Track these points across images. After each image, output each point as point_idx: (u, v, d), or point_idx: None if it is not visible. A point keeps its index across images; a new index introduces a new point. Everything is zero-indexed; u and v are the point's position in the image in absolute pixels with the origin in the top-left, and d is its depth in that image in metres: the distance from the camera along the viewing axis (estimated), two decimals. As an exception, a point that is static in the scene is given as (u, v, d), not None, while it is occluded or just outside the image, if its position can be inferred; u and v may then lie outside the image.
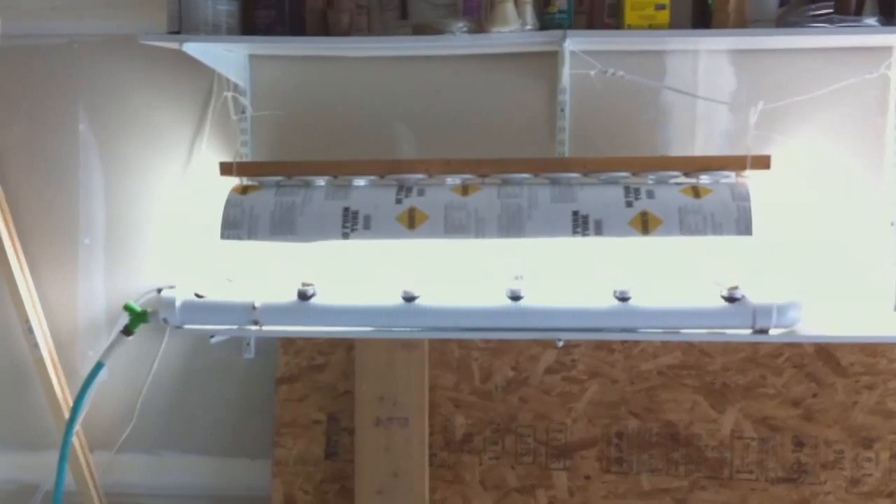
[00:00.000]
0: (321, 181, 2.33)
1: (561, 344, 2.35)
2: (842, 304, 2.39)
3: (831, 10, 2.13)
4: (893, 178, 2.39)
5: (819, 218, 2.40)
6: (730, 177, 2.26)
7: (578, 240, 2.19)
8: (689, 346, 2.43)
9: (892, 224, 2.39)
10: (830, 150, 2.41)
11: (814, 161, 2.40)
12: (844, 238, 2.41)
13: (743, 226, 2.17)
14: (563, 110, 2.41)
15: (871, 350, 2.38)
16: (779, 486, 2.41)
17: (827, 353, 2.40)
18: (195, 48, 2.26)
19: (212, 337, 2.39)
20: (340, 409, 2.53)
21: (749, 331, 2.21)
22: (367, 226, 2.24)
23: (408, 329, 2.31)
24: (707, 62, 2.42)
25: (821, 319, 2.27)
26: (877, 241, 2.41)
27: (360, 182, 2.33)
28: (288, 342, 2.55)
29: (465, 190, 2.28)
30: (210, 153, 2.54)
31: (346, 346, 2.52)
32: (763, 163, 2.21)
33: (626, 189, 2.23)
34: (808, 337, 2.28)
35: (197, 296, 2.32)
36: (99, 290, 2.64)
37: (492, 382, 2.49)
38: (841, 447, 2.39)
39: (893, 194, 2.39)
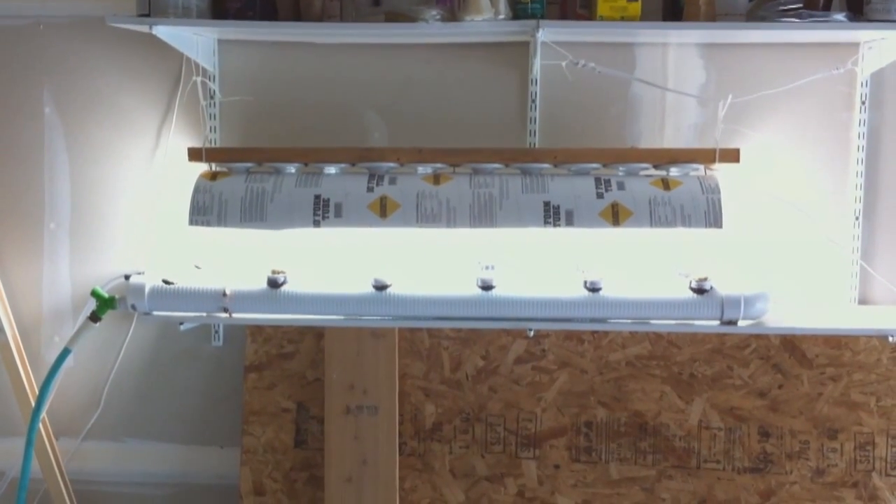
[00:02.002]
0: (292, 168, 2.32)
1: (532, 334, 2.35)
2: (807, 296, 2.43)
3: (800, 6, 2.15)
4: (858, 173, 2.42)
5: (785, 211, 2.42)
6: (699, 170, 2.27)
7: (549, 230, 2.20)
8: (657, 337, 2.45)
9: (856, 218, 2.43)
10: (797, 144, 2.43)
11: (781, 155, 2.42)
12: (810, 231, 2.43)
13: (712, 218, 2.18)
14: (534, 101, 2.42)
15: (835, 342, 2.41)
16: (745, 475, 2.44)
17: (792, 345, 2.42)
18: (164, 31, 2.24)
19: (181, 324, 2.36)
20: (309, 397, 2.52)
21: (717, 322, 2.22)
22: (338, 214, 2.23)
23: (378, 318, 2.30)
24: (677, 55, 2.43)
25: (787, 312, 2.30)
26: (842, 235, 2.44)
27: (331, 170, 2.32)
28: (257, 330, 2.53)
29: (436, 179, 2.27)
30: (178, 138, 2.51)
31: (316, 334, 2.51)
32: (732, 156, 2.23)
33: (597, 180, 2.24)
34: (774, 329, 2.29)
35: (165, 282, 2.30)
36: (64, 276, 2.61)
37: (462, 372, 2.50)
38: (806, 438, 2.42)
39: (858, 189, 2.42)
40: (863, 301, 2.45)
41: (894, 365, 2.39)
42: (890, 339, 2.25)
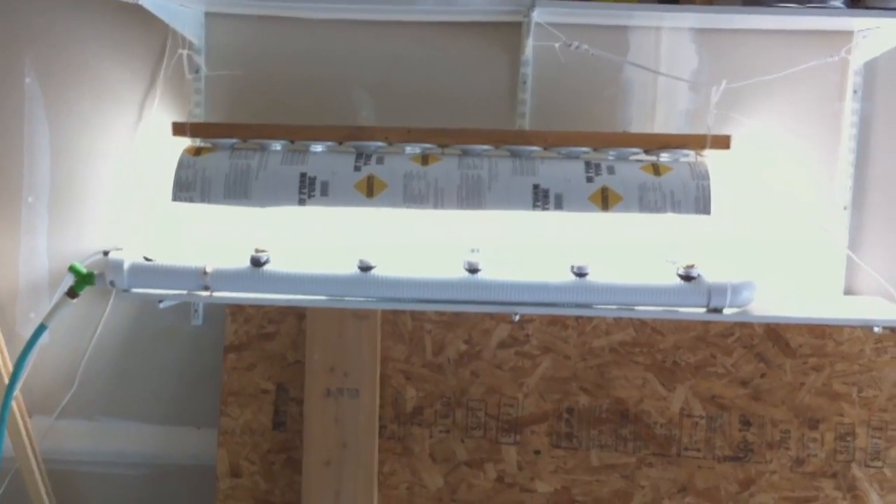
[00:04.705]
0: (277, 145, 2.28)
1: (517, 318, 2.33)
2: (794, 285, 2.43)
3: (798, -8, 2.15)
4: (848, 162, 2.42)
5: (774, 199, 2.42)
6: (689, 155, 2.26)
7: (538, 213, 2.18)
8: (641, 324, 2.44)
9: (844, 208, 2.43)
10: (789, 131, 2.43)
11: (772, 142, 2.42)
12: (798, 220, 2.44)
13: (702, 204, 2.17)
14: (525, 83, 2.40)
15: (819, 332, 2.41)
16: (725, 464, 2.44)
17: (776, 334, 2.42)
18: (151, 2, 2.19)
19: (160, 302, 2.32)
20: (289, 378, 2.50)
21: (703, 309, 2.22)
22: (324, 192, 2.20)
23: (361, 299, 2.27)
24: (670, 40, 2.42)
25: (772, 300, 2.29)
26: (830, 225, 2.44)
27: (317, 148, 2.28)
28: (237, 309, 2.50)
29: (425, 160, 2.25)
30: (163, 113, 2.46)
31: (297, 314, 2.48)
32: (723, 142, 2.22)
33: (587, 164, 2.22)
34: (759, 317, 2.28)
35: (145, 259, 2.26)
36: (42, 251, 2.56)
37: (444, 355, 2.48)
38: (787, 427, 2.42)
39: (847, 178, 2.42)
40: (849, 291, 2.46)
41: (877, 356, 2.39)
42: (874, 329, 2.26)
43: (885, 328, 2.32)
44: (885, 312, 2.29)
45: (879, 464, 2.41)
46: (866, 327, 2.33)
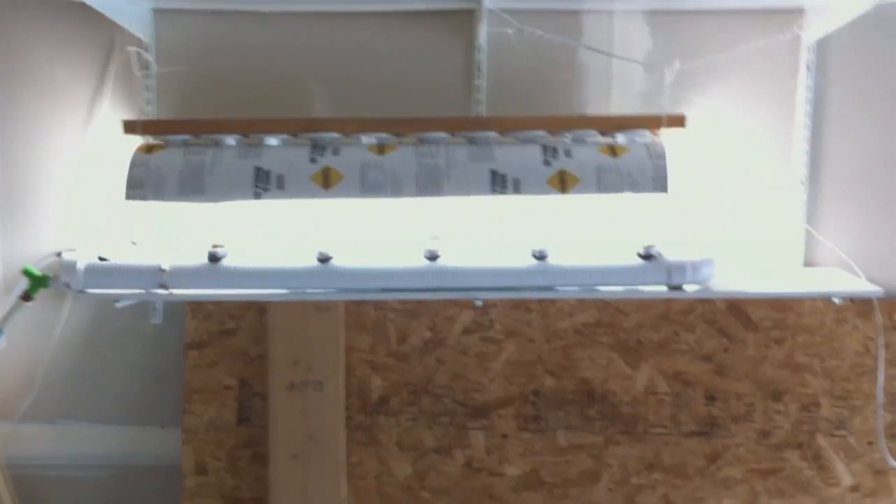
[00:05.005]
0: (231, 140, 2.25)
1: (480, 304, 2.33)
2: (754, 260, 2.44)
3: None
4: (803, 138, 2.43)
5: (732, 176, 2.43)
6: (646, 136, 2.26)
7: (497, 199, 2.17)
8: (604, 305, 2.45)
9: (801, 183, 2.44)
10: (744, 109, 2.44)
11: (727, 120, 2.43)
12: (756, 196, 2.45)
13: (659, 183, 2.18)
14: (480, 69, 2.39)
15: (780, 305, 2.43)
16: (691, 439, 2.46)
17: (738, 309, 2.44)
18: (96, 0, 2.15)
19: (116, 302, 2.29)
20: (252, 374, 2.48)
21: (665, 288, 2.22)
22: (280, 186, 2.17)
23: (323, 291, 2.24)
24: (623, 22, 2.41)
25: (732, 276, 2.30)
26: (788, 199, 2.45)
27: (272, 141, 2.26)
28: (197, 306, 2.47)
29: (381, 149, 2.23)
30: (113, 111, 2.42)
31: (258, 309, 2.46)
32: (678, 122, 2.23)
33: (544, 148, 2.22)
34: (721, 293, 2.30)
35: (100, 259, 2.22)
36: (-6, 254, 2.52)
37: (408, 344, 2.47)
38: (751, 400, 2.45)
39: (803, 153, 2.44)
40: (808, 264, 2.48)
41: (838, 326, 2.42)
42: (834, 301, 2.28)
43: (844, 299, 2.35)
44: (844, 284, 2.31)
45: (844, 433, 2.44)
46: (826, 299, 2.35)
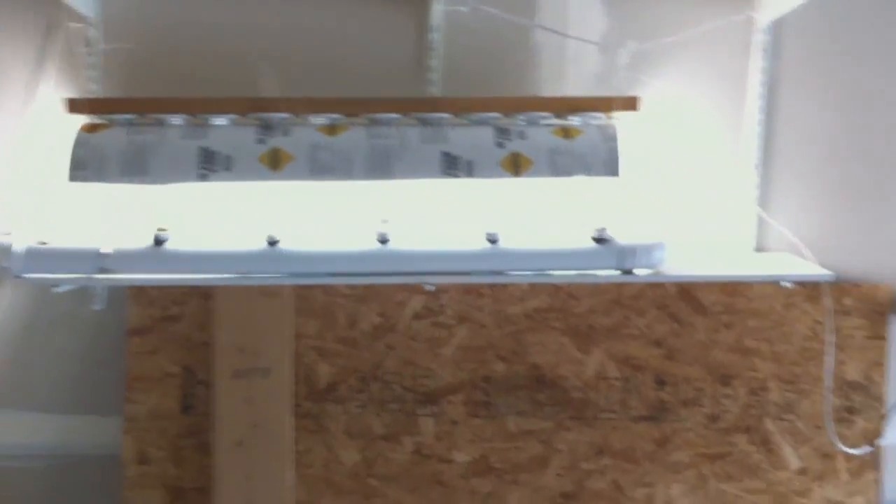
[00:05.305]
0: (177, 120, 2.19)
1: (431, 289, 2.30)
2: (705, 244, 2.45)
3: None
4: (756, 121, 2.43)
5: (684, 159, 2.43)
6: (600, 118, 2.25)
7: (449, 182, 2.15)
8: (556, 289, 2.44)
9: (754, 166, 2.45)
10: (697, 92, 2.43)
11: (681, 103, 2.42)
12: (708, 179, 2.45)
13: (610, 167, 2.17)
14: (433, 49, 2.35)
15: (730, 290, 2.44)
16: (640, 424, 2.46)
17: (688, 294, 2.44)
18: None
19: (55, 286, 2.21)
20: (197, 361, 2.42)
21: (616, 271, 2.21)
22: (227, 167, 2.12)
23: (270, 275, 2.19)
24: (578, 2, 2.39)
25: (684, 260, 2.30)
26: (740, 183, 2.46)
27: (219, 121, 2.20)
28: (139, 291, 2.40)
29: (331, 130, 2.18)
30: (56, 90, 2.34)
31: (203, 294, 2.40)
32: (631, 104, 2.22)
33: (498, 130, 2.20)
34: (672, 277, 2.30)
35: (40, 243, 2.14)
36: (-72, 239, 2.41)
37: (357, 329, 2.43)
38: (701, 385, 2.46)
39: (756, 137, 2.44)
40: (760, 248, 2.49)
41: (787, 311, 2.44)
42: (784, 285, 2.30)
43: (794, 283, 2.37)
44: (794, 268, 2.33)
45: (792, 417, 2.45)
46: (776, 283, 2.36)
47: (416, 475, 2.46)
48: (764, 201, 2.47)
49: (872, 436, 2.45)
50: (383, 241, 2.17)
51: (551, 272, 2.22)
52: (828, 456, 2.46)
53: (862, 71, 2.42)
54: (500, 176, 2.15)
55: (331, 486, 2.45)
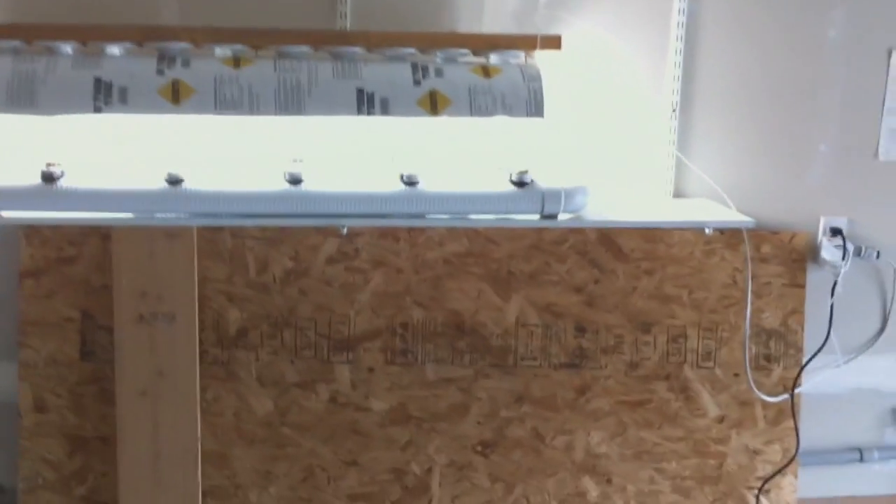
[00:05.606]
0: (68, 48, 2.04)
1: (345, 232, 2.22)
2: (626, 189, 2.40)
3: None
4: (676, 64, 2.37)
5: (605, 102, 2.35)
6: (520, 57, 2.17)
7: (363, 119, 2.05)
8: (475, 234, 2.38)
9: (673, 111, 2.39)
10: (618, 33, 2.35)
11: (602, 43, 2.34)
12: (629, 123, 2.39)
13: (534, 107, 2.10)
14: (346, -21, 2.24)
15: (650, 236, 2.41)
16: (561, 371, 2.43)
17: (609, 240, 2.40)
18: None
19: (-65, 226, 2.08)
20: (96, 305, 2.31)
21: (537, 216, 2.15)
22: (123, 99, 1.98)
23: (173, 216, 2.08)
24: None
25: (604, 205, 2.25)
26: (659, 128, 2.40)
27: (114, 50, 2.06)
28: (32, 231, 2.28)
29: (236, 62, 2.06)
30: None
31: (101, 235, 2.29)
32: (553, 43, 2.15)
33: (414, 67, 2.10)
34: (592, 222, 2.26)
35: (-81, 179, 2.00)
36: None
37: (268, 274, 2.35)
38: (620, 332, 2.43)
39: (676, 81, 2.38)
40: (679, 194, 2.44)
41: (707, 258, 2.41)
42: (705, 231, 2.27)
43: (714, 230, 2.34)
44: (714, 214, 2.30)
45: (710, 364, 2.45)
46: (696, 230, 2.34)
47: (331, 424, 2.41)
48: (683, 146, 2.41)
49: (790, 384, 2.45)
50: (295, 181, 2.08)
51: (470, 216, 2.16)
52: (746, 403, 2.46)
53: (783, 13, 2.38)
54: (417, 114, 2.06)
55: (242, 436, 2.38)
